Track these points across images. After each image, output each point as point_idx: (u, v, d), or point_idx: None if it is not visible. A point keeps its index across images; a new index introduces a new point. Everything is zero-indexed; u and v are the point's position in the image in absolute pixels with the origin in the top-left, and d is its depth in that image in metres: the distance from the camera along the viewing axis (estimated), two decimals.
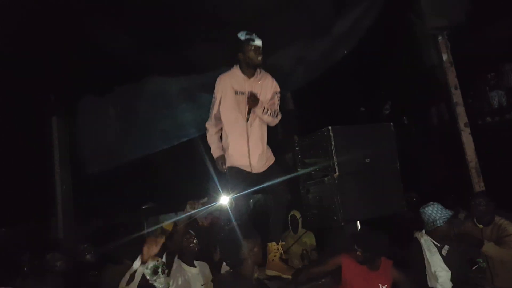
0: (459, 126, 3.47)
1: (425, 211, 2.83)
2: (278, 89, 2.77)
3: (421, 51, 4.24)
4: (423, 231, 2.88)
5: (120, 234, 5.36)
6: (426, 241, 2.83)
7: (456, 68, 3.63)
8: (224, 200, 2.87)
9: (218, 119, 2.69)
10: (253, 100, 2.56)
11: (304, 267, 2.51)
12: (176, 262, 2.61)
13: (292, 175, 3.03)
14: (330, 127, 2.72)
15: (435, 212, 2.78)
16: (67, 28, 3.70)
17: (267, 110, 2.60)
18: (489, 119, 7.23)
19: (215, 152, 2.81)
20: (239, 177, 2.59)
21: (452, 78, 3.49)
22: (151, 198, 6.80)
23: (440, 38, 3.50)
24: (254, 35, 2.57)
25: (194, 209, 2.71)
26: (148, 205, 6.80)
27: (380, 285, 2.39)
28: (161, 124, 5.03)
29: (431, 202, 2.86)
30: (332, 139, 2.68)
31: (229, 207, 2.77)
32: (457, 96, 3.50)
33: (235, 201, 2.60)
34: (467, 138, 3.46)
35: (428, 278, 2.78)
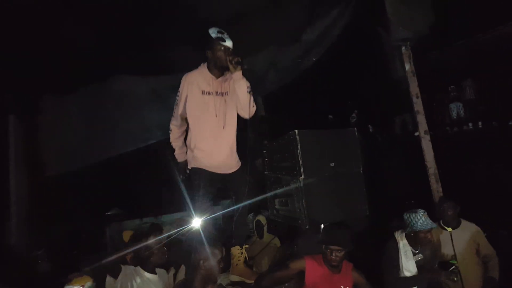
0: (419, 133, 3.59)
1: (408, 216, 2.92)
2: (248, 84, 2.64)
3: (388, 62, 4.38)
4: (404, 233, 2.96)
5: (80, 241, 5.14)
6: (404, 246, 2.91)
7: (418, 79, 3.77)
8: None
9: (184, 119, 2.60)
10: (236, 58, 2.43)
11: (267, 272, 2.48)
12: (127, 268, 2.61)
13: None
14: (296, 131, 2.74)
15: (417, 219, 2.85)
16: (28, 24, 3.51)
17: (250, 91, 2.49)
18: (448, 129, 7.65)
19: (179, 156, 2.73)
20: (202, 179, 2.51)
21: (414, 87, 3.63)
22: (116, 203, 6.57)
23: (403, 48, 3.63)
24: (225, 34, 2.48)
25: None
26: (113, 211, 6.55)
27: (342, 287, 2.41)
28: (127, 125, 4.86)
29: (419, 209, 2.92)
30: (298, 142, 2.70)
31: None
32: (418, 104, 3.64)
33: (196, 204, 2.52)
34: (427, 145, 3.59)
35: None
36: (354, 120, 8.34)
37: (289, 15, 4.16)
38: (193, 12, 3.72)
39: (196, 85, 2.53)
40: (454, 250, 3.18)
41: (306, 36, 4.09)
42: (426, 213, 2.89)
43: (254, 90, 5.17)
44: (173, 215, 5.78)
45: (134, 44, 4.04)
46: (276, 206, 3.20)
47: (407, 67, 3.58)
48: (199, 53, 2.70)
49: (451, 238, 3.24)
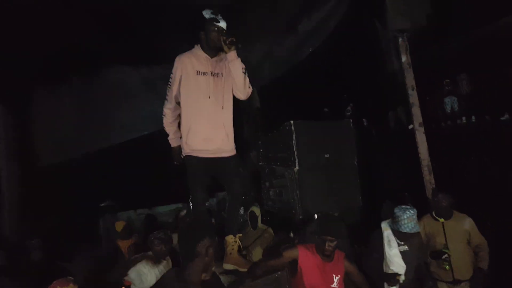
0: (414, 125, 3.61)
1: (398, 212, 2.88)
2: (243, 65, 2.53)
3: (384, 55, 4.38)
4: (389, 224, 2.96)
5: (73, 232, 5.12)
6: (388, 235, 2.92)
7: (414, 71, 3.77)
8: None
9: (178, 102, 2.55)
10: (235, 42, 2.37)
11: (260, 261, 2.48)
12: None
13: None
14: (292, 121, 2.74)
15: (403, 221, 2.81)
16: (18, 15, 3.44)
17: (245, 71, 2.43)
18: (442, 123, 7.69)
19: (173, 141, 2.66)
20: (197, 167, 2.48)
21: (410, 79, 3.63)
22: (109, 194, 6.54)
23: (400, 40, 3.62)
24: (219, 16, 2.42)
25: None
26: (107, 202, 6.52)
27: (334, 275, 2.43)
28: (119, 116, 4.83)
29: (409, 210, 2.86)
30: (294, 133, 2.70)
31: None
32: (413, 97, 3.65)
33: (192, 192, 2.50)
34: (421, 137, 3.61)
35: (384, 267, 2.89)
36: (349, 113, 8.34)
37: (285, 6, 4.13)
38: (186, 1, 3.68)
39: (190, 66, 2.45)
40: (446, 240, 3.22)
41: (302, 27, 4.08)
42: (414, 215, 2.82)
43: (250, 81, 5.15)
44: (167, 206, 5.78)
45: (126, 34, 3.99)
46: (270, 197, 3.20)
47: (404, 58, 3.58)
48: (191, 42, 2.67)
49: (443, 229, 3.28)
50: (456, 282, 3.22)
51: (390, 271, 2.82)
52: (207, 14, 2.43)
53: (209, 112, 2.44)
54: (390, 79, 4.67)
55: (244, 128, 6.93)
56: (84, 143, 4.83)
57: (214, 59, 2.51)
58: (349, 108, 8.37)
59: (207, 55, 2.49)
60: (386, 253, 2.88)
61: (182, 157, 2.56)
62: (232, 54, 2.40)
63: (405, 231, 2.78)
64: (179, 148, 2.60)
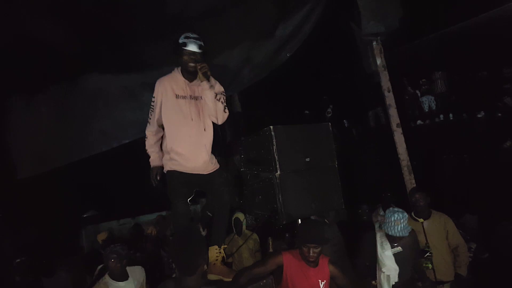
0: (392, 126, 3.67)
1: (388, 214, 2.91)
2: (222, 89, 2.69)
3: (361, 57, 4.44)
4: (382, 226, 2.99)
5: (55, 244, 5.00)
6: (381, 237, 2.96)
7: (390, 73, 3.85)
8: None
9: (160, 125, 2.59)
10: (206, 69, 2.46)
11: (245, 269, 2.47)
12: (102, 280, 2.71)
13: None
14: (271, 127, 2.74)
15: (392, 224, 2.84)
16: None
17: (220, 98, 2.52)
18: (420, 122, 7.89)
19: (155, 161, 2.67)
20: (179, 181, 2.50)
21: (385, 81, 3.70)
22: (91, 204, 6.42)
23: (374, 43, 3.69)
24: (191, 39, 2.47)
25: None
26: (89, 213, 6.41)
27: (319, 280, 2.44)
28: (99, 125, 4.73)
29: (399, 213, 2.88)
30: (274, 138, 2.71)
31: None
32: (390, 98, 3.72)
33: (173, 205, 2.49)
34: (399, 138, 3.68)
35: (377, 269, 2.93)
36: (329, 115, 8.45)
37: (262, 11, 4.15)
38: (164, 7, 3.65)
39: (170, 90, 2.52)
40: (426, 239, 3.27)
41: (279, 32, 4.09)
42: (402, 219, 2.83)
43: (230, 87, 5.13)
44: (151, 215, 5.71)
45: (104, 41, 3.92)
46: (253, 203, 3.19)
47: (379, 61, 3.65)
48: (170, 49, 2.68)
49: (423, 229, 3.33)
50: (439, 282, 3.27)
51: (382, 274, 2.85)
52: (181, 38, 2.48)
53: (191, 135, 2.51)
54: (368, 80, 4.75)
55: (227, 132, 6.92)
56: (63, 153, 4.70)
57: (193, 82, 2.57)
58: (329, 109, 8.49)
59: (185, 80, 2.54)
60: (379, 255, 2.91)
61: (158, 179, 2.57)
62: (204, 84, 2.49)
63: (391, 233, 2.81)
64: (159, 168, 2.60)
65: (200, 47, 2.48)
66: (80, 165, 4.91)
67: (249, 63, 4.62)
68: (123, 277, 2.87)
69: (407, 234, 2.83)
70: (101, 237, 4.57)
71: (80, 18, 3.63)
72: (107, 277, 2.83)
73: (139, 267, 3.02)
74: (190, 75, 2.57)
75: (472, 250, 4.43)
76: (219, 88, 2.67)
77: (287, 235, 4.05)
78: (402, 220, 2.81)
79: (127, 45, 3.99)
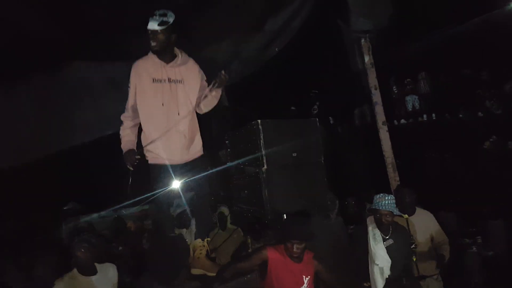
0: (377, 124, 3.70)
1: (378, 196, 2.96)
2: (205, 77, 2.60)
3: (348, 55, 4.46)
4: (373, 218, 3.01)
5: (34, 237, 4.86)
6: (373, 229, 2.96)
7: (377, 70, 3.87)
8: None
9: (135, 110, 2.46)
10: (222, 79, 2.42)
11: (229, 264, 2.45)
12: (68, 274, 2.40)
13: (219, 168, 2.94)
14: (259, 121, 2.73)
15: (383, 200, 2.89)
16: None
17: (215, 83, 2.44)
18: (404, 121, 8.02)
19: (126, 145, 2.53)
20: (161, 176, 2.42)
21: (372, 78, 3.72)
22: (72, 197, 6.28)
23: (363, 40, 3.70)
24: (153, 17, 2.30)
25: None
26: (69, 205, 6.25)
27: (304, 276, 2.44)
28: (81, 116, 4.62)
29: (391, 195, 2.96)
30: (261, 132, 2.69)
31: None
32: (376, 96, 3.75)
33: (156, 199, 2.44)
34: (384, 135, 3.71)
35: (370, 262, 2.93)
36: (315, 111, 8.49)
37: (252, 4, 4.11)
38: None
39: (145, 73, 2.39)
40: (410, 234, 3.32)
41: (269, 26, 4.07)
42: (387, 197, 2.91)
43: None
44: (133, 208, 5.61)
45: (88, 29, 3.81)
46: (238, 197, 3.18)
47: (366, 59, 3.67)
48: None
49: (407, 225, 3.38)
50: (421, 277, 3.30)
51: (375, 266, 2.86)
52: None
53: (164, 120, 2.37)
54: (355, 78, 4.78)
55: (213, 126, 6.87)
56: (44, 144, 4.58)
57: (171, 64, 2.41)
58: (315, 106, 8.52)
59: (161, 61, 2.39)
60: (372, 248, 2.92)
61: (135, 160, 2.44)
62: (175, 68, 2.44)
63: (385, 209, 2.85)
64: (131, 152, 2.48)
65: (161, 23, 2.28)
66: (61, 157, 4.79)
67: (237, 56, 4.58)
68: (93, 271, 2.48)
69: (393, 209, 2.87)
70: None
71: (62, 5, 3.51)
72: (74, 272, 2.43)
73: (111, 264, 2.65)
74: (166, 56, 2.41)
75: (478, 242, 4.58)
76: (202, 75, 2.58)
77: (269, 232, 4.03)
78: (387, 198, 2.88)
79: (112, 34, 3.89)
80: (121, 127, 2.58)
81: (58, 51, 3.99)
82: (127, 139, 2.54)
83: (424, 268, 3.31)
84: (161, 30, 2.29)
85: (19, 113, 4.41)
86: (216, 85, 2.41)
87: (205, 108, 2.55)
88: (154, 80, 2.38)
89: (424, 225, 3.38)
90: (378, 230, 2.95)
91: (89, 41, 3.94)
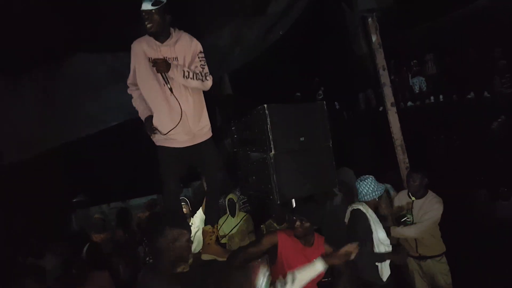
0: (386, 105, 3.64)
1: (360, 184, 3.01)
2: (200, 48, 2.47)
3: (352, 39, 4.38)
4: (363, 204, 3.00)
5: (45, 230, 4.92)
6: (371, 214, 2.96)
7: (384, 51, 3.79)
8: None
9: (136, 84, 2.44)
10: (161, 65, 2.24)
11: (239, 249, 2.44)
12: None
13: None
14: (265, 105, 2.67)
15: (368, 186, 2.96)
16: None
17: (189, 74, 2.31)
18: (411, 103, 7.93)
19: (143, 113, 2.46)
20: (170, 158, 2.38)
21: (380, 59, 3.65)
22: (81, 188, 6.33)
23: (370, 20, 3.62)
24: None
25: None
26: (78, 197, 6.31)
27: (314, 260, 2.42)
28: (85, 108, 4.61)
29: (367, 176, 3.04)
30: (268, 117, 2.64)
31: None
32: (384, 77, 3.67)
33: (164, 184, 2.41)
34: (393, 117, 3.65)
35: (376, 245, 2.92)
36: (320, 97, 8.42)
37: None
38: None
39: (142, 53, 2.34)
40: (407, 212, 3.33)
41: (271, 9, 3.98)
42: (374, 179, 3.01)
43: (220, 67, 5.00)
44: (141, 198, 5.64)
45: (88, 20, 3.76)
46: (247, 183, 3.15)
47: (374, 38, 3.58)
48: None
49: (412, 206, 3.38)
50: (422, 257, 3.34)
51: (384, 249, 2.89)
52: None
53: (168, 100, 2.32)
54: (359, 62, 4.70)
55: (217, 115, 6.83)
56: (49, 137, 4.59)
57: (166, 43, 2.35)
58: (320, 92, 8.44)
59: (157, 41, 2.34)
60: (376, 232, 2.92)
61: (154, 132, 2.39)
62: (178, 77, 2.31)
63: (379, 194, 2.97)
64: (149, 119, 2.41)
65: (155, 2, 2.22)
66: (68, 149, 4.81)
67: (240, 42, 4.51)
68: None
69: (378, 195, 2.97)
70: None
71: None
72: None
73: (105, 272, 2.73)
74: (160, 36, 2.35)
75: None
76: (195, 48, 2.43)
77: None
78: (372, 180, 2.99)
79: (112, 25, 3.83)
80: (132, 100, 2.55)
81: (59, 44, 3.95)
82: (141, 107, 2.48)
83: (424, 248, 3.32)
84: (155, 10, 2.23)
85: (23, 108, 4.41)
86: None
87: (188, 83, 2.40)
88: (150, 60, 2.33)
89: (428, 209, 3.34)
90: (374, 214, 2.99)
91: (90, 33, 3.90)
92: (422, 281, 3.39)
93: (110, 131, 4.80)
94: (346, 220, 3.08)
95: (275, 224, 3.64)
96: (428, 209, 3.32)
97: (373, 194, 2.96)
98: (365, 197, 2.97)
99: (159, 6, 2.23)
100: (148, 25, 2.25)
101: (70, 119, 4.57)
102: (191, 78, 2.32)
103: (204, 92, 2.57)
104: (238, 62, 4.91)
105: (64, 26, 3.68)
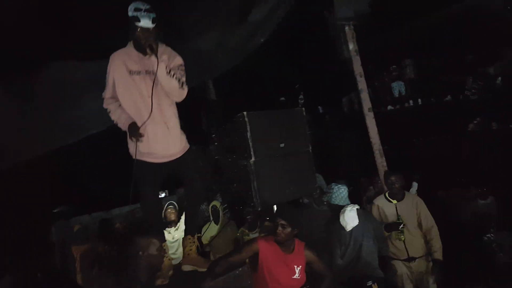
0: (364, 110, 3.71)
1: (338, 188, 3.18)
2: (181, 62, 2.47)
3: (334, 44, 4.45)
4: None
5: (24, 242, 4.78)
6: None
7: (363, 58, 3.87)
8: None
9: (115, 97, 2.40)
10: (149, 42, 2.22)
11: (220, 258, 2.43)
12: None
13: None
14: (245, 113, 2.69)
15: (344, 192, 3.12)
16: None
17: (171, 72, 2.30)
18: (391, 107, 8.11)
19: (126, 121, 2.37)
20: (147, 172, 2.35)
21: (357, 66, 3.72)
22: (62, 199, 6.18)
23: (347, 28, 3.69)
24: (143, 12, 2.22)
25: None
26: (60, 208, 6.17)
27: (295, 266, 2.44)
28: (65, 116, 4.53)
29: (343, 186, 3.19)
30: (248, 124, 2.66)
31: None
32: (362, 83, 3.75)
33: (142, 196, 2.39)
34: (371, 121, 3.73)
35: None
36: (302, 101, 8.52)
37: None
38: None
39: (123, 66, 2.31)
40: (398, 217, 3.38)
41: (252, 17, 4.02)
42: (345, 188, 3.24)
43: (204, 73, 4.99)
44: (123, 208, 5.55)
45: (66, 26, 3.71)
46: (229, 190, 3.16)
47: (351, 46, 3.66)
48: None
49: (396, 210, 3.43)
50: (411, 259, 3.39)
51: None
52: (130, 10, 2.24)
53: (147, 113, 2.29)
54: (341, 67, 4.77)
55: (202, 120, 6.82)
56: (28, 147, 4.48)
57: (148, 55, 2.32)
58: (301, 96, 8.54)
59: (138, 53, 2.33)
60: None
61: (141, 134, 2.33)
62: (153, 58, 2.27)
63: (334, 202, 3.17)
64: (133, 124, 2.35)
65: (153, 20, 2.24)
66: (48, 158, 4.70)
67: (222, 48, 4.53)
68: None
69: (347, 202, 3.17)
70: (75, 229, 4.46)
71: (39, 4, 3.40)
72: None
73: None
74: (142, 47, 2.32)
75: None
76: (176, 61, 2.44)
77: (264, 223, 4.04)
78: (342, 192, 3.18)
79: (91, 30, 3.80)
80: (111, 113, 2.47)
81: (37, 51, 3.88)
82: (124, 116, 2.41)
83: (414, 249, 3.38)
84: (153, 28, 2.26)
85: (1, 116, 4.30)
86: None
87: (170, 95, 2.40)
88: (131, 72, 2.31)
89: (412, 209, 3.43)
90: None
91: (68, 39, 3.85)
92: (411, 285, 3.43)
93: (91, 140, 4.73)
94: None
95: (247, 231, 3.65)
96: (411, 210, 3.40)
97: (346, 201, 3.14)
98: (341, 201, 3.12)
99: (156, 23, 2.27)
100: (143, 41, 2.25)
101: (49, 129, 4.49)
102: (172, 77, 2.31)
103: (189, 97, 2.57)
104: (221, 68, 4.92)
105: (41, 33, 3.62)
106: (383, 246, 3.24)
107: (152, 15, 2.25)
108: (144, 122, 2.30)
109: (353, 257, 2.98)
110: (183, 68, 2.47)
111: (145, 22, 2.24)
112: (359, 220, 3.00)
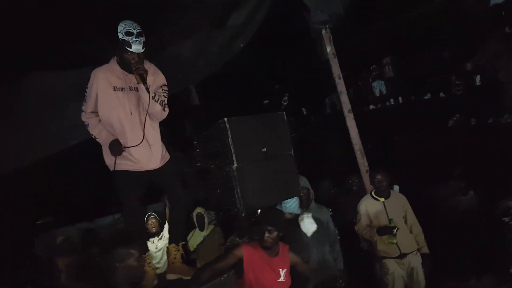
0: (344, 112, 3.77)
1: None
2: (164, 82, 2.51)
3: (315, 46, 4.51)
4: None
5: (6, 255, 4.67)
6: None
7: (343, 60, 3.93)
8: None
9: (96, 111, 2.41)
10: (140, 70, 2.24)
11: (205, 265, 2.44)
12: None
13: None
14: (225, 119, 2.71)
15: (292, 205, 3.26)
16: None
17: (155, 96, 2.34)
18: (373, 106, 8.24)
19: (107, 138, 2.40)
20: (128, 181, 2.36)
21: (335, 68, 3.78)
22: (45, 210, 6.07)
23: (323, 31, 3.75)
24: (134, 38, 2.22)
25: None
26: (43, 220, 6.05)
27: (280, 269, 2.47)
28: (47, 126, 4.47)
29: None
30: (229, 130, 2.67)
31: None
32: (340, 85, 3.81)
33: (123, 205, 2.39)
34: (351, 123, 3.79)
35: None
36: (286, 103, 8.57)
37: (213, 1, 4.06)
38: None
39: (106, 82, 2.33)
40: (388, 218, 3.43)
41: (231, 22, 4.04)
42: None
43: (186, 79, 4.99)
44: (108, 218, 5.48)
45: (48, 36, 3.66)
46: (212, 196, 3.17)
47: (328, 49, 3.72)
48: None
49: (385, 207, 3.49)
50: (403, 256, 3.46)
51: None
52: (121, 33, 2.24)
53: (133, 128, 2.32)
54: (323, 68, 4.83)
55: (186, 126, 6.80)
56: (9, 158, 4.40)
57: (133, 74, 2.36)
58: (285, 98, 8.59)
59: (123, 71, 2.35)
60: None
61: (122, 149, 2.36)
62: (141, 86, 2.30)
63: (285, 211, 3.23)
64: (115, 142, 2.38)
65: (143, 45, 2.26)
66: (30, 170, 4.61)
67: (203, 53, 4.54)
68: None
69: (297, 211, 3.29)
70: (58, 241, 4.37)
71: (20, 14, 3.34)
72: None
73: None
74: (129, 68, 2.37)
75: None
76: (159, 81, 2.48)
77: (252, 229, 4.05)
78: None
79: (74, 39, 3.75)
80: (89, 127, 2.48)
81: (16, 62, 3.82)
82: (104, 133, 2.43)
83: (404, 246, 3.45)
84: (143, 52, 2.29)
85: None
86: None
87: (153, 116, 2.44)
88: (115, 88, 2.33)
89: (399, 206, 3.51)
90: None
91: (50, 49, 3.79)
92: (402, 283, 3.49)
93: (74, 150, 4.66)
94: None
95: (237, 239, 3.66)
96: (399, 207, 3.48)
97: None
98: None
99: (146, 48, 2.28)
100: (133, 67, 2.26)
101: (30, 139, 4.41)
102: (157, 102, 2.36)
103: (172, 103, 2.60)
104: (203, 74, 4.93)
105: (22, 43, 3.57)
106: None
107: (143, 39, 2.26)
108: (133, 146, 2.31)
109: (318, 260, 3.04)
110: (166, 88, 2.51)
111: (136, 48, 2.24)
112: (317, 226, 3.13)
